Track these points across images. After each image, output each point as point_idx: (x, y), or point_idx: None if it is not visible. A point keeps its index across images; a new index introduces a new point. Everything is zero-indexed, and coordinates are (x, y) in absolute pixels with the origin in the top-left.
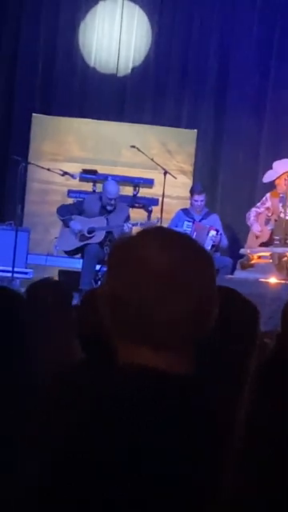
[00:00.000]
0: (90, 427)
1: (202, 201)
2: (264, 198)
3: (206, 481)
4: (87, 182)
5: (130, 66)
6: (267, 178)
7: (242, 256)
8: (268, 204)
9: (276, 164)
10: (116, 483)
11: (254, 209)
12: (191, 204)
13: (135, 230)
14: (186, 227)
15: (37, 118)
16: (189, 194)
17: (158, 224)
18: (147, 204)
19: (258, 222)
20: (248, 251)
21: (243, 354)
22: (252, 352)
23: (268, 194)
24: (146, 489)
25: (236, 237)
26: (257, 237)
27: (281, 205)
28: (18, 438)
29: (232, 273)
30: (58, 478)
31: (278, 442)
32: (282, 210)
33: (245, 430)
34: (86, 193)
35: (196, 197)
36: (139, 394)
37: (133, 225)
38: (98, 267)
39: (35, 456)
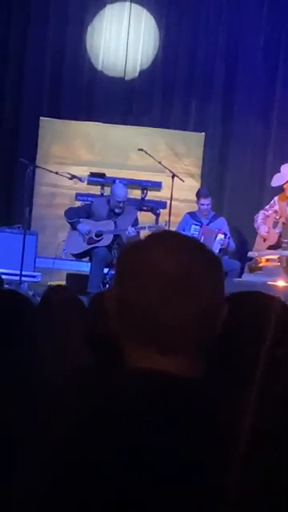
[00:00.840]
0: (94, 429)
1: (208, 204)
2: (272, 201)
3: (207, 483)
4: (95, 185)
5: (138, 69)
6: (275, 181)
7: (250, 259)
8: (276, 207)
9: (284, 167)
10: (118, 484)
11: (262, 211)
12: (198, 207)
13: (143, 233)
14: (194, 231)
15: (45, 121)
16: (196, 198)
17: (166, 227)
18: (155, 207)
19: (265, 224)
20: (256, 254)
21: (254, 358)
22: (263, 354)
23: (276, 198)
24: (147, 489)
25: (244, 240)
26: (264, 239)
27: None
28: (21, 438)
29: (240, 276)
30: (58, 478)
31: (285, 446)
32: None
33: (251, 433)
34: (93, 196)
35: (202, 200)
36: (146, 397)
37: (141, 228)
38: (105, 270)
39: (36, 456)
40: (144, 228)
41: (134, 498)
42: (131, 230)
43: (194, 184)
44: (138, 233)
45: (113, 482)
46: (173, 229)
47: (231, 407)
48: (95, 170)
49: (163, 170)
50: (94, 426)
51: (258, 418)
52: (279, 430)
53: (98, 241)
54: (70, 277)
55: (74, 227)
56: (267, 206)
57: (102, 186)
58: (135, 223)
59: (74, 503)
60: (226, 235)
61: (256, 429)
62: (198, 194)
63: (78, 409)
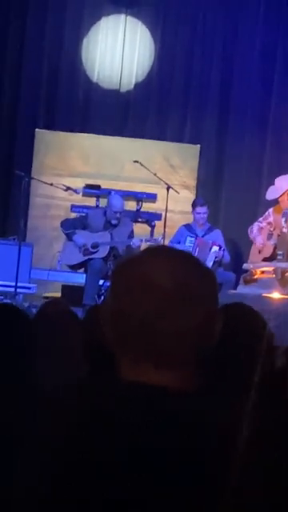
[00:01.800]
0: (89, 448)
1: (204, 213)
2: (267, 213)
3: (207, 497)
4: (90, 196)
5: (133, 81)
6: (270, 195)
7: (245, 271)
8: (270, 219)
9: (278, 180)
10: (118, 484)
11: (256, 223)
12: (193, 217)
13: (141, 246)
14: (189, 243)
15: (40, 133)
16: (191, 209)
17: (162, 241)
18: (150, 219)
19: (260, 235)
20: (251, 266)
21: (249, 366)
22: (257, 363)
23: (271, 209)
24: (147, 489)
25: (239, 252)
26: (259, 251)
27: (283, 220)
28: (21, 439)
29: (235, 288)
30: (58, 478)
31: (283, 447)
32: (285, 225)
33: (249, 437)
34: (89, 208)
35: (198, 209)
36: (141, 410)
37: (137, 241)
38: (101, 282)
39: (36, 457)
40: (140, 241)
41: (134, 498)
42: (134, 243)
43: (190, 196)
44: (138, 246)
45: (113, 482)
46: (167, 241)
47: (230, 421)
48: (90, 181)
49: (158, 181)
50: (92, 435)
51: (256, 421)
52: (278, 432)
53: (94, 252)
54: (66, 288)
55: (69, 238)
56: (261, 218)
57: (98, 197)
58: (131, 235)
59: (74, 503)
60: (220, 247)
61: (255, 431)
62: (194, 203)
63: (76, 420)
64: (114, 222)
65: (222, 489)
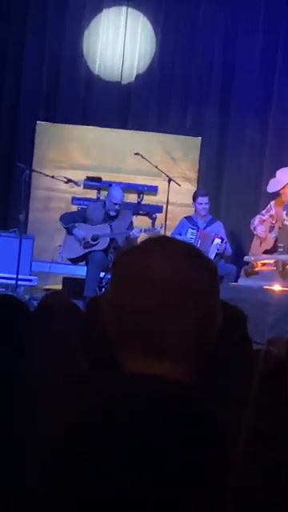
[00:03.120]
0: (92, 438)
1: (206, 203)
2: (268, 206)
3: (207, 490)
4: (91, 189)
5: (134, 73)
6: (271, 187)
7: (246, 263)
8: (272, 212)
9: (280, 172)
10: (118, 484)
11: (258, 216)
12: (195, 209)
13: (140, 236)
14: (191, 235)
15: (41, 125)
16: (192, 201)
17: (162, 231)
18: (151, 211)
19: (262, 225)
20: (252, 258)
21: (239, 359)
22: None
23: (272, 202)
24: (147, 500)
25: (240, 244)
26: (260, 243)
27: (285, 213)
28: (21, 439)
29: (236, 280)
30: (58, 478)
31: (281, 446)
32: (286, 218)
33: (250, 434)
34: (90, 200)
35: (200, 199)
36: (142, 402)
37: (137, 232)
38: (102, 274)
39: (36, 456)
40: (140, 231)
41: (134, 498)
42: (136, 231)
43: (191, 188)
44: (137, 236)
45: (113, 482)
46: (169, 233)
47: (229, 413)
48: (91, 174)
49: (159, 174)
50: (96, 436)
51: (256, 419)
52: (278, 430)
53: (94, 245)
54: (67, 281)
55: (69, 232)
56: (263, 211)
57: (99, 190)
58: (130, 227)
59: (74, 503)
60: (222, 240)
61: (255, 429)
62: (196, 194)
63: (76, 413)
64: (112, 213)
65: (223, 485)
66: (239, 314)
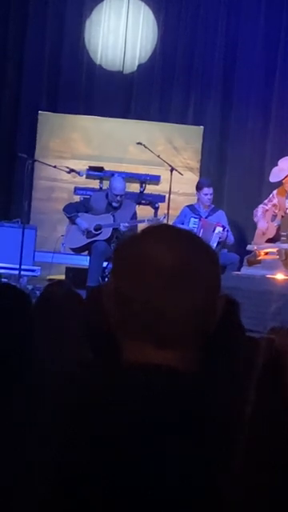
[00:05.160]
0: (93, 424)
1: (211, 194)
2: (271, 195)
3: (208, 481)
4: (94, 179)
5: (136, 63)
6: (274, 177)
7: (249, 252)
8: (275, 201)
9: (282, 161)
10: (118, 480)
11: (261, 205)
12: (199, 199)
13: (141, 226)
14: (193, 224)
15: (43, 115)
16: (195, 191)
17: (165, 221)
18: (154, 201)
19: (264, 218)
20: (255, 247)
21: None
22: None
23: (275, 191)
24: (148, 488)
25: (243, 233)
26: (263, 233)
27: (287, 201)
28: (19, 435)
29: (239, 269)
30: (58, 465)
31: (284, 435)
32: None
33: (250, 423)
34: (92, 190)
35: (206, 190)
36: (143, 391)
37: (139, 222)
38: (105, 264)
39: (35, 453)
40: (143, 221)
41: (134, 487)
42: (123, 226)
43: (193, 177)
44: (135, 226)
45: (112, 479)
46: (171, 222)
47: (230, 399)
48: (94, 163)
49: (162, 163)
50: (94, 420)
51: (259, 407)
52: (281, 418)
53: (97, 234)
54: (70, 271)
55: (72, 222)
56: (266, 200)
57: (101, 179)
58: (134, 217)
59: (74, 501)
60: (224, 228)
61: (257, 417)
62: (200, 185)
63: (77, 403)
64: (115, 204)
65: (225, 474)
66: (232, 302)
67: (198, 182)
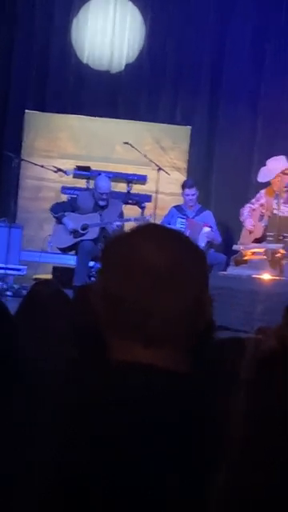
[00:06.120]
0: (79, 425)
1: (193, 195)
2: (258, 195)
3: (196, 479)
4: (81, 178)
5: (124, 62)
6: (262, 177)
7: (236, 252)
8: (262, 201)
9: (270, 162)
10: (107, 479)
11: (248, 205)
12: (183, 199)
13: (128, 225)
14: (180, 224)
15: (30, 114)
16: (181, 191)
17: (151, 220)
18: (140, 200)
19: (251, 217)
20: (241, 247)
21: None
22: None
23: (263, 191)
24: (133, 486)
25: (229, 233)
26: (250, 232)
27: (275, 202)
28: (19, 437)
29: (226, 269)
30: (52, 477)
31: (273, 436)
32: (276, 207)
33: (240, 423)
34: (79, 189)
35: (187, 191)
36: (131, 390)
37: (126, 220)
38: (91, 264)
39: (37, 455)
40: (129, 220)
41: (124, 487)
42: (115, 225)
43: (180, 177)
44: (122, 225)
45: (99, 470)
46: (158, 222)
47: (217, 399)
48: (81, 163)
49: (149, 163)
50: (93, 420)
51: (248, 407)
52: (270, 418)
53: (84, 234)
54: (56, 270)
55: (59, 221)
56: (253, 200)
57: (88, 179)
58: (121, 216)
59: (74, 501)
60: (211, 228)
61: (246, 418)
62: (183, 185)
63: (67, 407)
64: (101, 203)
65: (216, 475)
66: None
67: (182, 183)
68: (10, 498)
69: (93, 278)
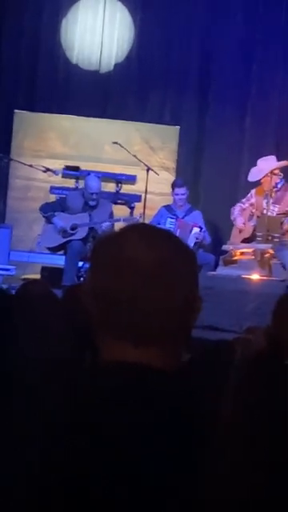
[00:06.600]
0: (70, 426)
1: (183, 194)
2: (249, 195)
3: (185, 478)
4: (70, 178)
5: (113, 62)
6: (253, 176)
7: (225, 252)
8: (252, 200)
9: (261, 161)
10: (98, 483)
11: (238, 204)
12: (173, 199)
13: (117, 225)
14: (170, 224)
15: (19, 114)
16: (171, 190)
17: (141, 220)
18: (130, 200)
19: (241, 216)
20: (231, 247)
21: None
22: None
23: (253, 191)
24: (125, 487)
25: (219, 233)
26: (240, 231)
27: (265, 202)
28: (19, 437)
29: (215, 269)
30: (52, 478)
31: (262, 434)
32: (266, 207)
33: (228, 423)
34: (68, 189)
35: (177, 190)
36: (122, 389)
37: (115, 220)
38: (80, 264)
39: (36, 455)
40: (119, 220)
41: (111, 487)
42: (105, 225)
43: (169, 177)
44: (112, 225)
45: (89, 470)
46: (147, 222)
47: (206, 398)
48: (70, 163)
49: (138, 163)
50: (74, 423)
51: (236, 407)
52: (259, 418)
53: (73, 234)
54: (45, 270)
55: (49, 221)
56: (243, 199)
57: (77, 179)
58: (110, 216)
59: (74, 501)
60: (201, 229)
61: (235, 417)
62: (173, 185)
63: (56, 407)
64: (91, 203)
65: (202, 475)
66: None
67: (172, 182)
68: (9, 498)
69: (81, 278)
